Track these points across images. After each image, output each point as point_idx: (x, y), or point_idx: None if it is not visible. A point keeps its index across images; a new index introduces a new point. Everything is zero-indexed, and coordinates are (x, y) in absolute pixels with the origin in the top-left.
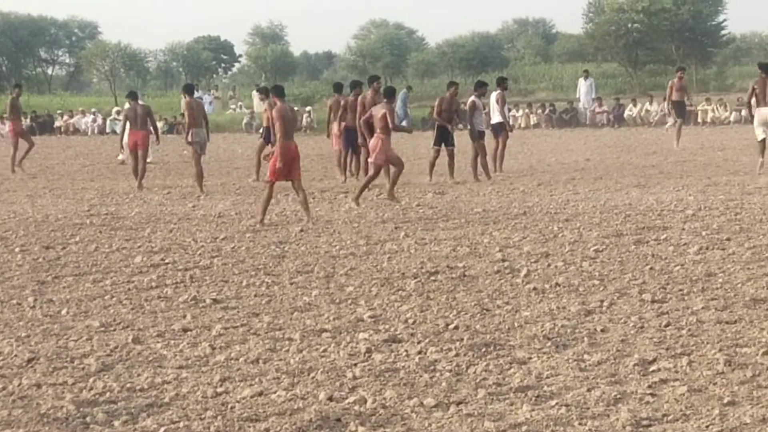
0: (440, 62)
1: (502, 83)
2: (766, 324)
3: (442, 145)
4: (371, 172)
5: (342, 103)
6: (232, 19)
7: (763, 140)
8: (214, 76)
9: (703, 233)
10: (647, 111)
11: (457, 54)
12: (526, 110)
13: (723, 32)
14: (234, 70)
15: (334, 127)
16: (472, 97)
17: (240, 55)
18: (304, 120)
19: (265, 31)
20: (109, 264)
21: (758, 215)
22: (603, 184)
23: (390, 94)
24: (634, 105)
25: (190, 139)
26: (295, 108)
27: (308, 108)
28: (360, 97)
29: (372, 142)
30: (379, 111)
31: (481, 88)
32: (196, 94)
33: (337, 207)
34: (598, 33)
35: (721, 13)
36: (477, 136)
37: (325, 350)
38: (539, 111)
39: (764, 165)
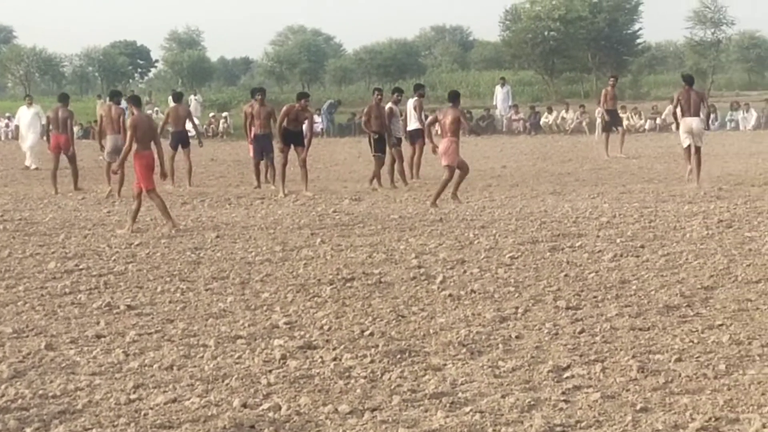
0: (358, 69)
1: (419, 90)
2: (679, 331)
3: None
4: (445, 174)
5: (249, 110)
6: (148, 24)
7: (689, 147)
8: (131, 81)
9: (618, 240)
10: (563, 118)
11: (374, 60)
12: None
13: (638, 41)
14: (150, 75)
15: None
16: (389, 104)
17: (156, 60)
18: (220, 126)
19: (181, 36)
20: (23, 270)
21: (672, 223)
22: (519, 191)
23: (454, 98)
24: (550, 112)
25: (105, 144)
26: (211, 114)
27: (225, 114)
28: (287, 106)
29: (443, 146)
30: (448, 115)
31: (396, 95)
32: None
33: (254, 213)
34: (515, 41)
35: (637, 22)
36: (394, 143)
37: (239, 357)
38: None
39: (693, 171)
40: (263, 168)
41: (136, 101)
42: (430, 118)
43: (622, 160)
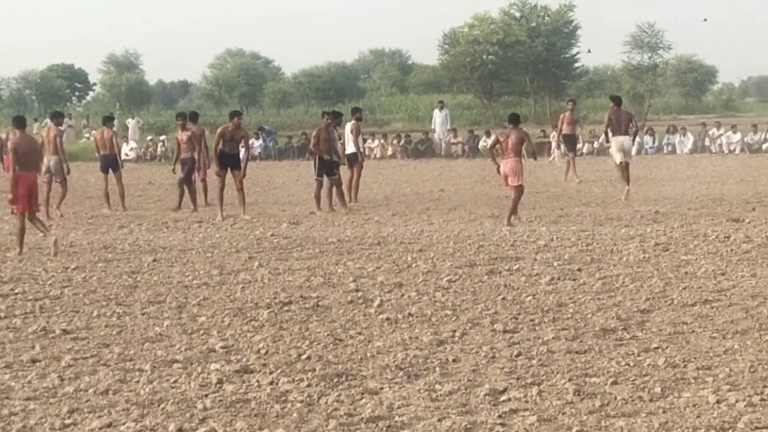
0: (296, 92)
1: (356, 113)
2: (615, 354)
3: (324, 176)
4: (515, 193)
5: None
6: (86, 47)
7: (621, 163)
8: (68, 104)
9: (555, 264)
10: None
11: (313, 84)
12: (382, 141)
13: (576, 65)
14: (88, 98)
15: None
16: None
17: (94, 84)
18: (158, 149)
19: (119, 59)
20: None
21: (609, 246)
22: (457, 214)
23: (515, 120)
24: (488, 136)
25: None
26: (149, 137)
27: (162, 137)
28: (221, 128)
29: (510, 165)
30: (511, 136)
31: (336, 119)
32: (46, 122)
33: (191, 236)
34: (454, 64)
35: (575, 46)
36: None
37: (175, 381)
38: (395, 141)
39: (630, 192)
40: (200, 190)
41: (18, 123)
42: (491, 140)
43: (561, 184)
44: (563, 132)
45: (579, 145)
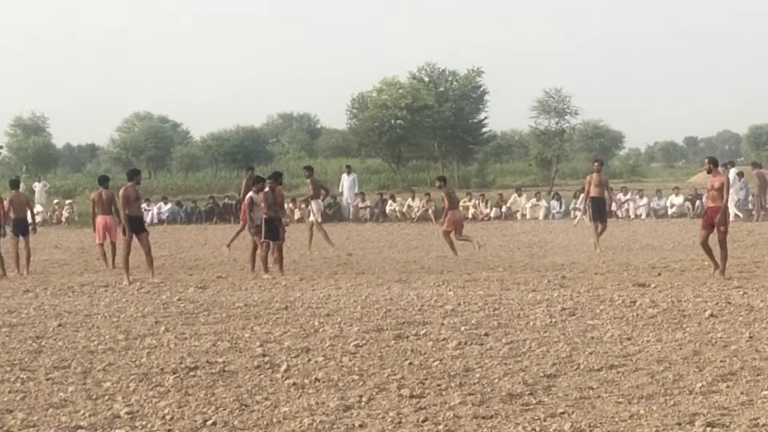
0: (205, 156)
1: (260, 180)
2: (522, 419)
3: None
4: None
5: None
6: None
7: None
8: None
9: (462, 328)
10: (409, 206)
11: (221, 148)
12: (290, 205)
13: (484, 129)
14: None
15: (99, 220)
16: (250, 193)
17: (0, 147)
18: (65, 212)
19: (26, 122)
20: None
21: (516, 311)
22: (365, 278)
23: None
24: (393, 200)
25: None
26: (56, 201)
27: (69, 201)
28: (123, 189)
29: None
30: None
31: (259, 184)
32: None
33: (97, 301)
34: (362, 129)
35: (483, 111)
36: (255, 231)
37: None
38: (303, 206)
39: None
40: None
41: None
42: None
43: (469, 248)
44: (591, 195)
45: (487, 210)
